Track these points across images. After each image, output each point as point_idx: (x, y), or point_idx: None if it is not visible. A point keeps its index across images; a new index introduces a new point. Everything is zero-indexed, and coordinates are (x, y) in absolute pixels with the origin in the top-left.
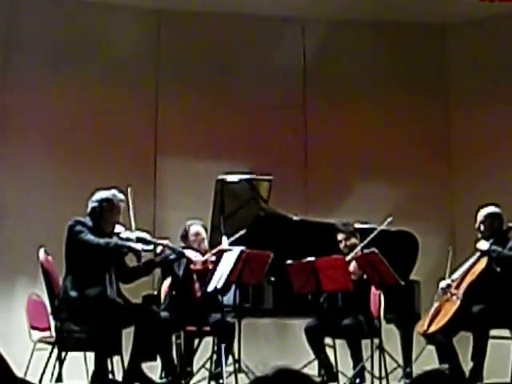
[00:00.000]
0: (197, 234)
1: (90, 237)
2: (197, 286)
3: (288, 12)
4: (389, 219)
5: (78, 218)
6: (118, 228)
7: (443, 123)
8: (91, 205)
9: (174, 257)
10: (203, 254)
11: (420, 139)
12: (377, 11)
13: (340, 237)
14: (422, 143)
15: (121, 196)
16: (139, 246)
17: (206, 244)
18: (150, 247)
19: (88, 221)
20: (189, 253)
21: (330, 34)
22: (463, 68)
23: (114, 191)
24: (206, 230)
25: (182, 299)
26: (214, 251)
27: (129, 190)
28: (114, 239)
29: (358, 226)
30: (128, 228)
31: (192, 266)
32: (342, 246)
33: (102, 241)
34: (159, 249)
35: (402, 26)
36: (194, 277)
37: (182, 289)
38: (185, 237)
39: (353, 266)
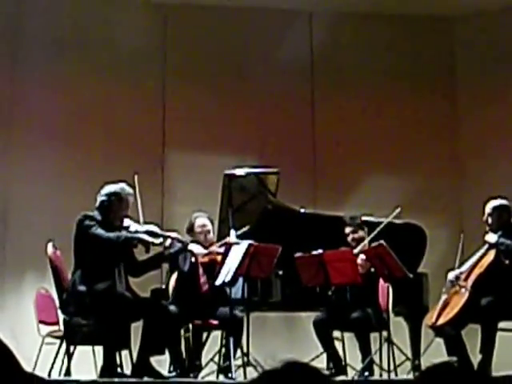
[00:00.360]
0: (202, 226)
1: (100, 231)
2: (202, 279)
3: (295, 4)
4: (397, 210)
5: (87, 212)
6: (127, 222)
7: (451, 116)
8: (100, 199)
9: (176, 250)
10: (209, 246)
11: (428, 132)
12: (384, 3)
13: (347, 230)
14: (431, 136)
15: (129, 190)
16: (148, 238)
17: (211, 236)
18: (159, 240)
19: (97, 215)
20: (191, 246)
21: (337, 26)
22: (471, 60)
23: (122, 185)
24: (211, 222)
25: (188, 293)
26: (220, 243)
27: (135, 177)
28: (124, 233)
29: (365, 218)
30: (136, 216)
31: (193, 259)
32: (349, 239)
33: (112, 235)
34: (168, 242)
35: (410, 18)
36: (200, 270)
37: (187, 283)
38: (191, 229)
39: (360, 259)
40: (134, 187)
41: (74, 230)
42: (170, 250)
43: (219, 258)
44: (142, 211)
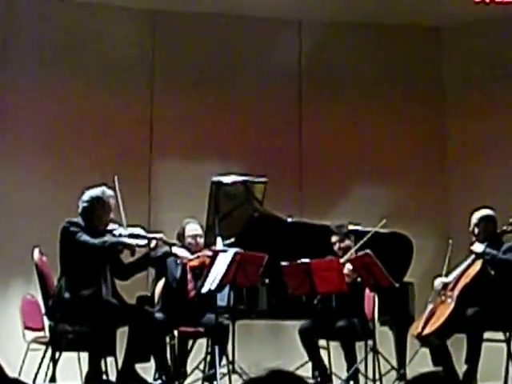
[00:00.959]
0: (194, 231)
1: (85, 238)
2: (190, 285)
3: (284, 13)
4: (382, 222)
5: (71, 218)
6: (111, 225)
7: (439, 125)
8: (82, 205)
9: (160, 254)
10: (199, 252)
11: (416, 141)
12: (372, 13)
13: (334, 239)
14: (418, 145)
15: (110, 192)
16: (133, 242)
17: (202, 241)
18: (144, 242)
19: (80, 221)
20: (175, 250)
21: (326, 36)
22: (459, 70)
23: (102, 188)
24: (202, 228)
25: (175, 300)
26: (208, 250)
27: (115, 178)
28: (108, 237)
29: (352, 227)
30: (118, 218)
31: (182, 261)
32: (336, 248)
33: (97, 241)
34: (153, 243)
35: (398, 28)
36: (189, 276)
37: (175, 289)
38: (181, 235)
39: (347, 268)
40: (113, 187)
41: (59, 237)
42: (155, 251)
43: (208, 260)
44: (124, 213)
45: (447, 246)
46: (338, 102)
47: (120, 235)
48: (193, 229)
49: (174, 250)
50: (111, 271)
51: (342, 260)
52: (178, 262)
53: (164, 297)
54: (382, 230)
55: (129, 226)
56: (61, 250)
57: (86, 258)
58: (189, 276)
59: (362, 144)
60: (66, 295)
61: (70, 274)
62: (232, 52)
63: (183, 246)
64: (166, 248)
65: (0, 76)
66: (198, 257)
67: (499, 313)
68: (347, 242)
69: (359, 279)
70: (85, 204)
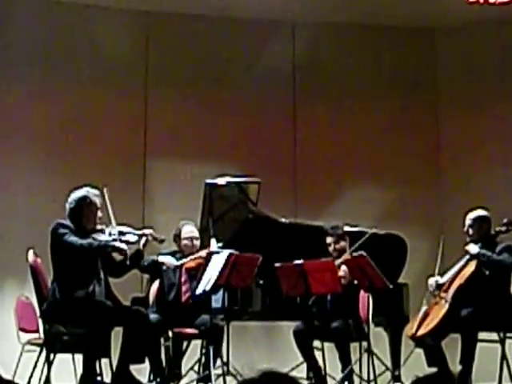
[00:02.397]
0: (190, 232)
1: (73, 239)
2: (184, 288)
3: (278, 15)
4: (376, 227)
5: (60, 220)
6: (101, 226)
7: (432, 127)
8: (69, 206)
9: (149, 262)
10: (195, 253)
11: (409, 143)
12: (366, 14)
13: (329, 240)
14: (412, 147)
15: (95, 191)
16: (123, 245)
17: (198, 243)
18: (135, 239)
19: (69, 223)
20: (162, 258)
21: (319, 37)
22: (452, 71)
23: (87, 188)
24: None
25: (170, 302)
26: (203, 253)
27: (105, 189)
28: (96, 239)
29: (347, 229)
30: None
31: (165, 268)
32: (331, 249)
33: (85, 242)
34: (143, 239)
35: (392, 29)
36: (183, 279)
37: (170, 291)
38: (178, 236)
39: (343, 270)
40: (103, 197)
41: (49, 239)
42: (145, 259)
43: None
44: (113, 216)
45: (439, 243)
46: (332, 102)
47: (110, 234)
48: (189, 231)
49: (161, 258)
50: (104, 270)
51: (337, 262)
52: (175, 269)
53: (159, 299)
54: (377, 231)
55: (118, 224)
56: (51, 251)
57: (76, 258)
58: (183, 278)
59: (356, 146)
60: (61, 296)
61: (62, 276)
62: (226, 54)
63: (179, 248)
64: (153, 257)
65: None
66: (195, 258)
67: (493, 313)
68: (342, 244)
69: (356, 282)
70: (71, 205)
